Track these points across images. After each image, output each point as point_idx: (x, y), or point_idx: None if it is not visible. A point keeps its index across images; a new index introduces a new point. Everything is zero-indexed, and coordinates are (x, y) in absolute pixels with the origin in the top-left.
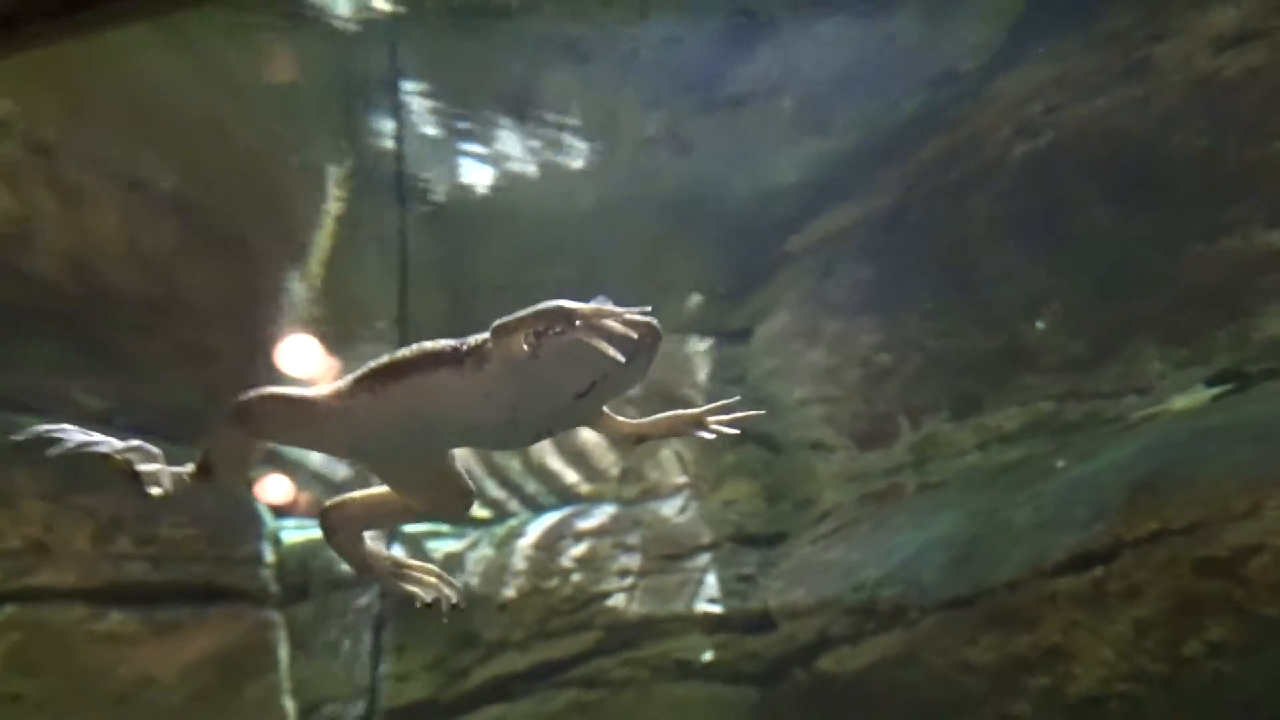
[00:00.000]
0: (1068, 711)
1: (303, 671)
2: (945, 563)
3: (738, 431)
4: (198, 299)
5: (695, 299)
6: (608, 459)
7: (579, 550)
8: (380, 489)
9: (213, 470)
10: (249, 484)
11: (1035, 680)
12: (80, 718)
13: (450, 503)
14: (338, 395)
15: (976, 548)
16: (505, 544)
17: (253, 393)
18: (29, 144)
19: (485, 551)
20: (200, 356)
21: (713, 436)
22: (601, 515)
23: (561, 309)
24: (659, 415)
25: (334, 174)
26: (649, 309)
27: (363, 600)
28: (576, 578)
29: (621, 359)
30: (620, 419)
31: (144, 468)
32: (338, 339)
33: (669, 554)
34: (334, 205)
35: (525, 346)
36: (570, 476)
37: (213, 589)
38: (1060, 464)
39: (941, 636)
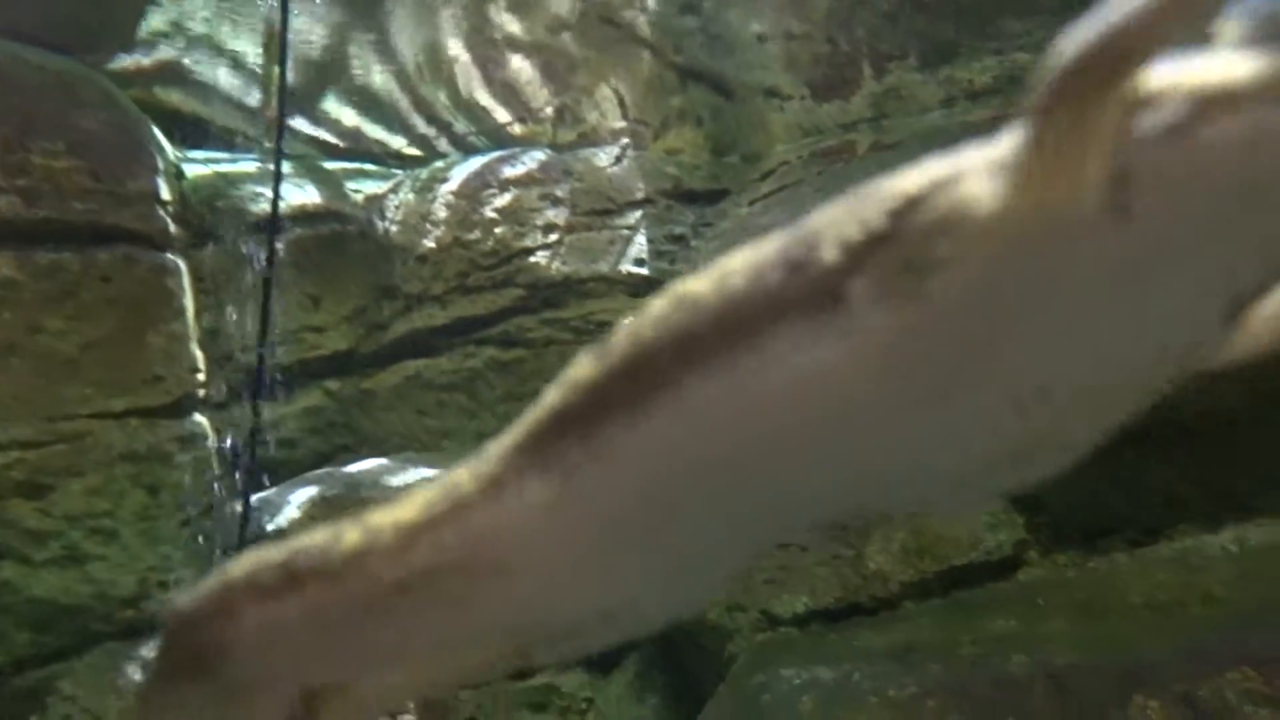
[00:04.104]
0: None
1: (213, 321)
2: None
3: None
4: None
5: None
6: (541, 96)
7: (503, 201)
8: None
9: None
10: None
11: None
12: None
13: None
14: (464, 504)
15: None
16: (427, 190)
17: (205, 588)
18: None
19: (406, 197)
20: None
21: None
22: (530, 162)
23: None
24: None
25: None
26: None
27: (277, 245)
28: (499, 231)
29: None
30: None
31: None
32: None
33: (599, 209)
34: None
35: (1099, 173)
36: (501, 114)
37: (99, 230)
38: None
39: None
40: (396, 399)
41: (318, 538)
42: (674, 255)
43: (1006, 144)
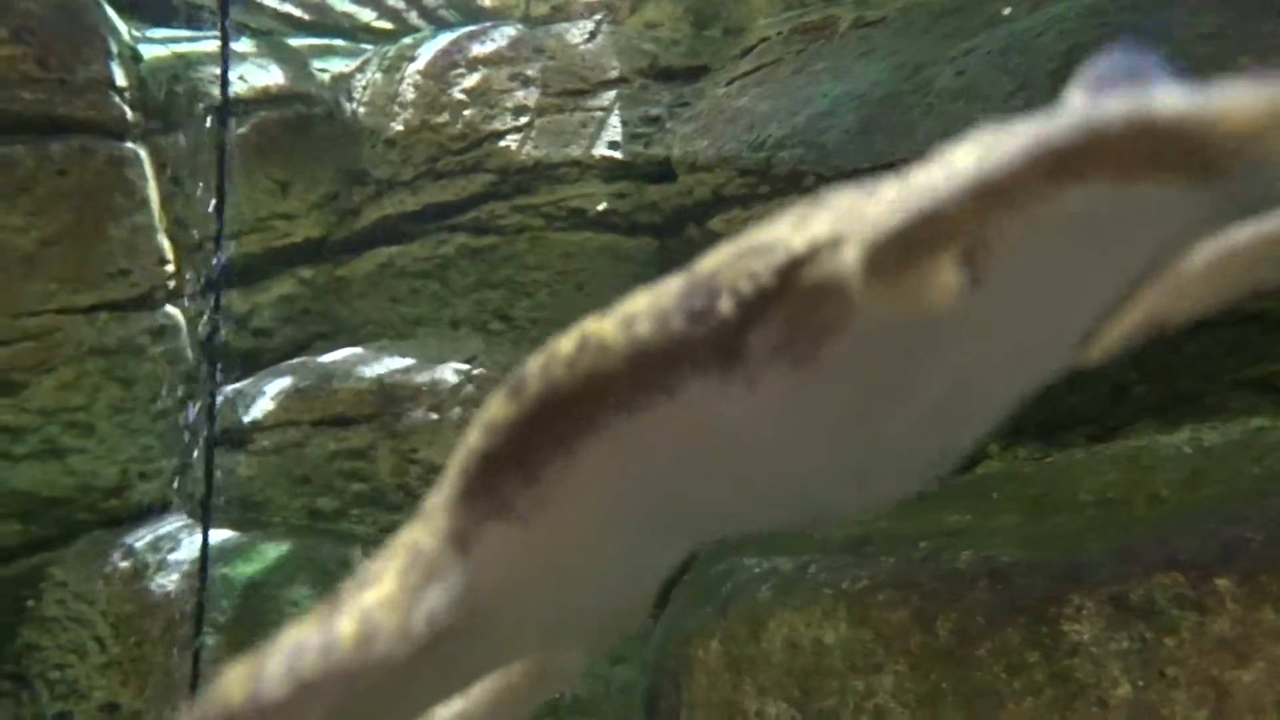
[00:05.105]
0: None
1: (180, 208)
2: (853, 125)
3: None
4: None
5: None
6: None
7: (472, 81)
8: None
9: None
10: None
11: None
12: None
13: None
14: (438, 567)
15: (888, 111)
16: (395, 69)
17: None
18: None
19: (374, 76)
20: None
21: None
22: (500, 39)
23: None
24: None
25: None
26: None
27: (242, 129)
28: (468, 113)
29: None
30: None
31: None
32: None
33: (571, 89)
34: None
35: (953, 275)
36: None
37: (51, 120)
38: (1007, 10)
39: None
40: (370, 286)
41: (306, 635)
42: (649, 138)
43: (883, 207)
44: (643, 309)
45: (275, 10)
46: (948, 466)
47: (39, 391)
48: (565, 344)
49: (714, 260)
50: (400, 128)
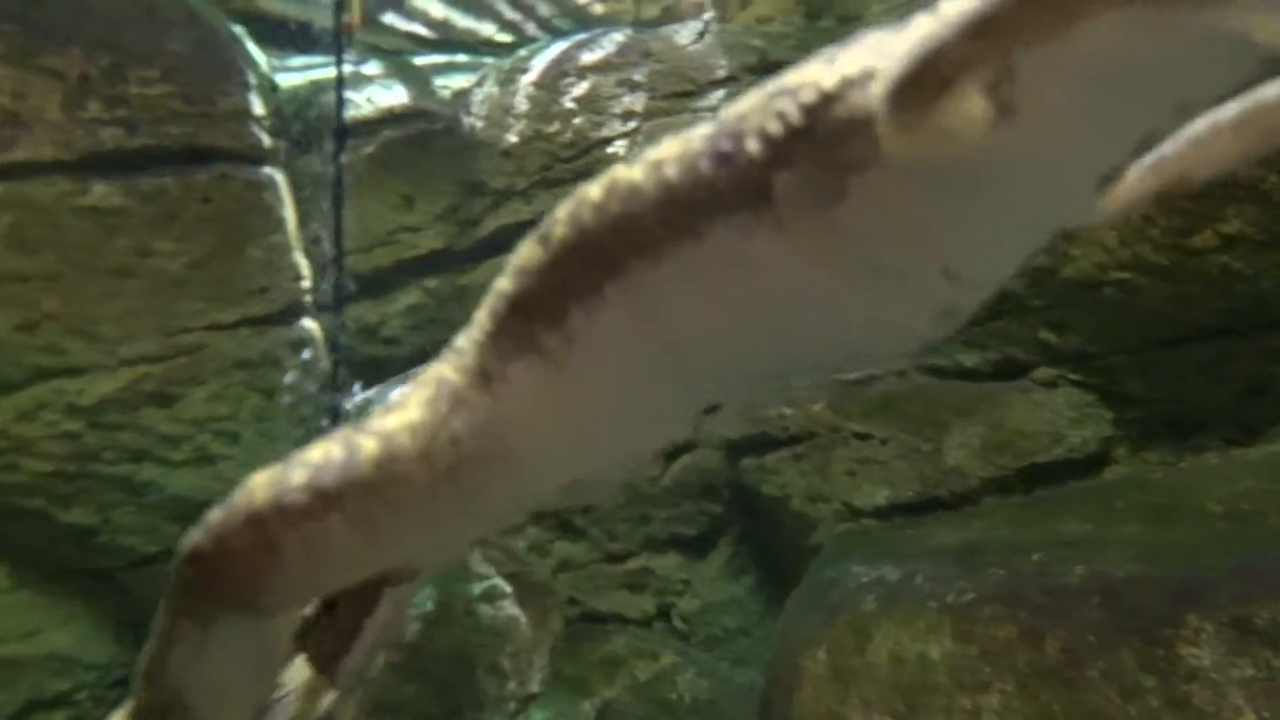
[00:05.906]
0: (1060, 292)
1: (315, 229)
2: None
3: None
4: None
5: None
6: None
7: (581, 89)
8: None
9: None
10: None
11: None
12: (86, 292)
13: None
14: (461, 398)
15: None
16: (509, 81)
17: (223, 524)
18: None
19: (490, 90)
20: None
21: None
22: (608, 45)
23: None
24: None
25: None
26: None
27: (368, 148)
28: (578, 121)
29: None
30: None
31: None
32: None
33: (679, 91)
34: None
35: (980, 106)
36: None
37: (195, 150)
38: None
39: None
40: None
41: (331, 450)
42: None
43: (912, 40)
44: (671, 154)
45: (402, 30)
46: (960, 319)
47: (191, 403)
48: (593, 190)
49: (743, 103)
50: (515, 138)
